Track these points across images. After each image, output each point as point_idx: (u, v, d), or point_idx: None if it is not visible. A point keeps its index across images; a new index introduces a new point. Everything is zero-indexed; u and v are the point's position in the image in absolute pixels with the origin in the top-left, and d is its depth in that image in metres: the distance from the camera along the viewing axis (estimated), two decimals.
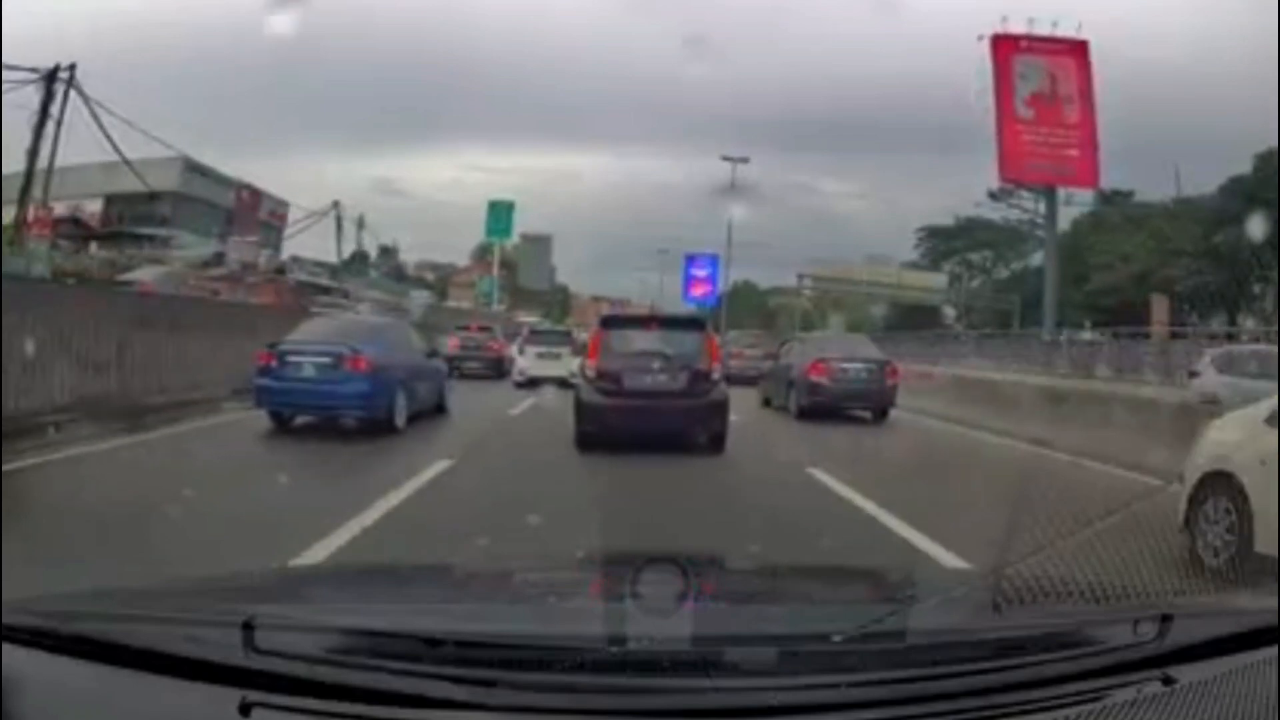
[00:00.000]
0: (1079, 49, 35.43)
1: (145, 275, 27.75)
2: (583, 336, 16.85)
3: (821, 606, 1.90)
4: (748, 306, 60.45)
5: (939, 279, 51.85)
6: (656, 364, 9.78)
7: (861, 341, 17.57)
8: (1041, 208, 39.57)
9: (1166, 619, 1.37)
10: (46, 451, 8.16)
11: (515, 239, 60.92)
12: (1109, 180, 38.60)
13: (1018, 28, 36.15)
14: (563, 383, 15.03)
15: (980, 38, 35.75)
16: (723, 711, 1.22)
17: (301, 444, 10.21)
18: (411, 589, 2.05)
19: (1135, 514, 1.66)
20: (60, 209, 33.68)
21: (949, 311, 51.14)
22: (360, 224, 47.39)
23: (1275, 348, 17.79)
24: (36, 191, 27.69)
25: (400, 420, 10.91)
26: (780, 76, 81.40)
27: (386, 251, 58.55)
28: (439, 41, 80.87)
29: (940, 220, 53.40)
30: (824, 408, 14.30)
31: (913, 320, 47.90)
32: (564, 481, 8.09)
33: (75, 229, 33.10)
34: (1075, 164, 35.96)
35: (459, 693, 1.19)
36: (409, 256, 64.50)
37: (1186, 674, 1.33)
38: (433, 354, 13.56)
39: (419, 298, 44.80)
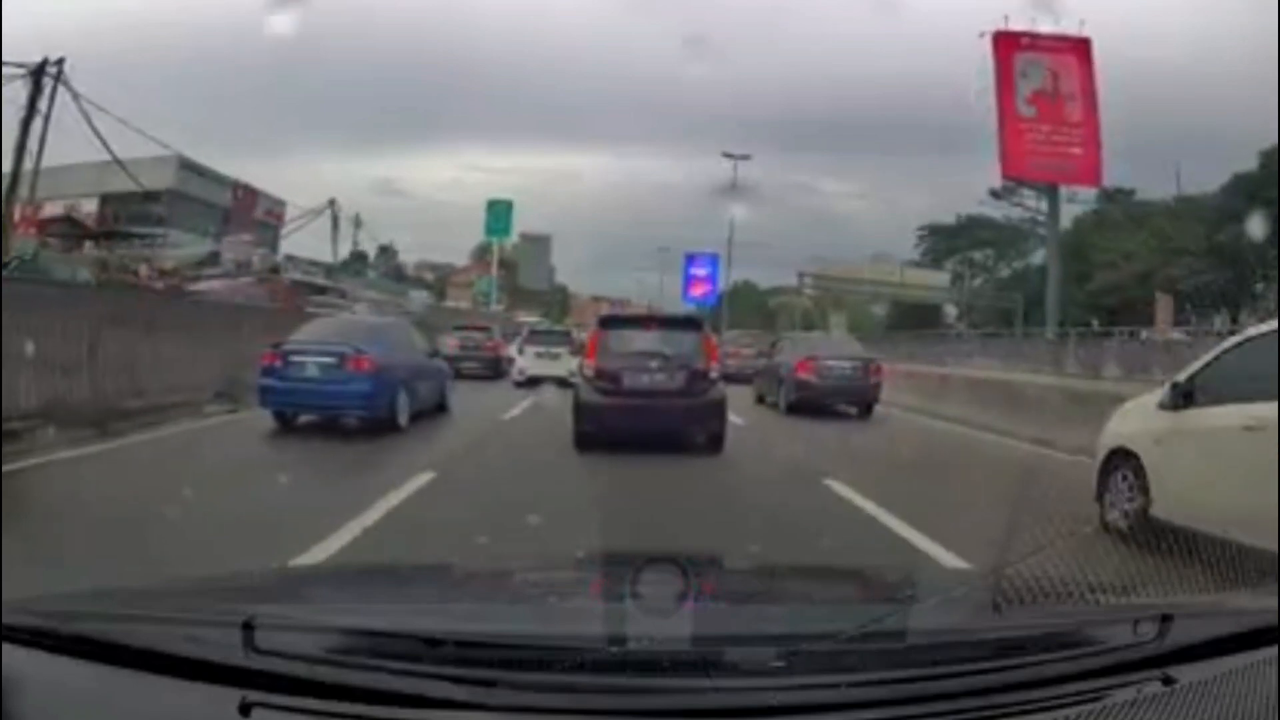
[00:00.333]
0: (1081, 46, 35.38)
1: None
2: (582, 336, 16.89)
3: (821, 606, 1.90)
4: (748, 306, 60.46)
5: (941, 277, 51.67)
6: (654, 364, 9.81)
7: (847, 341, 18.82)
8: (1043, 206, 39.54)
9: (1166, 619, 1.37)
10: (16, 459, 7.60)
11: (514, 238, 61.02)
12: (1110, 179, 38.57)
13: (1019, 27, 36.15)
14: (562, 382, 15.09)
15: (982, 35, 35.73)
16: (723, 711, 1.22)
17: (282, 450, 10.08)
18: (411, 589, 2.05)
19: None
20: (55, 208, 33.67)
21: (950, 310, 51.12)
22: (357, 223, 47.42)
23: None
24: (24, 190, 27.52)
25: (403, 419, 11.01)
26: (780, 76, 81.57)
27: (385, 251, 58.57)
28: (439, 41, 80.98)
29: (941, 219, 53.45)
30: (811, 403, 15.07)
31: (915, 319, 47.84)
32: (559, 497, 7.41)
33: (70, 228, 32.94)
34: (1077, 162, 35.89)
35: (459, 693, 1.19)
36: (408, 257, 64.67)
37: (1186, 674, 1.33)
38: (434, 354, 13.66)
39: (418, 298, 44.85)
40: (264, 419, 11.04)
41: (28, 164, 26.40)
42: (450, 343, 20.11)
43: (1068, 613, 1.57)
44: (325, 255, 45.07)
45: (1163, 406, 6.02)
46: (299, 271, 37.24)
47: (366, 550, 5.11)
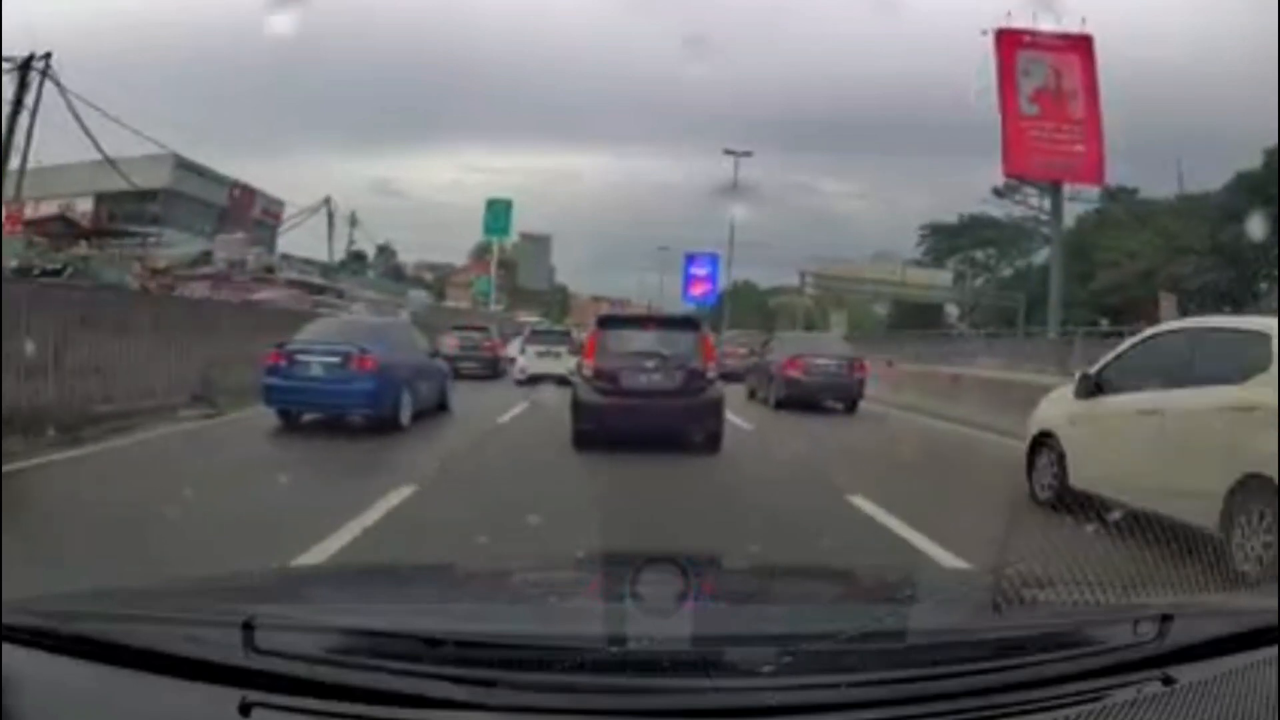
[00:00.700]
0: (1083, 44, 35.28)
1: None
2: (581, 336, 16.98)
3: (821, 606, 1.90)
4: (748, 306, 60.42)
5: (944, 276, 51.33)
6: (652, 363, 9.88)
7: (835, 341, 20.14)
8: (1046, 204, 39.44)
9: (1166, 619, 1.37)
10: None
11: (514, 238, 60.94)
12: (1112, 178, 38.45)
13: (1020, 26, 36.06)
14: (561, 380, 15.21)
15: (984, 32, 35.63)
16: (723, 711, 1.22)
17: (287, 448, 10.06)
18: (411, 589, 2.05)
19: None
20: (50, 207, 33.59)
21: (951, 310, 50.99)
22: (353, 221, 47.26)
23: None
24: (9, 189, 27.27)
25: (405, 418, 11.15)
26: (780, 76, 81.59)
27: (383, 251, 58.48)
28: (439, 41, 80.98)
29: (942, 218, 53.32)
30: (797, 399, 15.94)
31: (917, 319, 47.69)
32: (559, 497, 7.20)
33: (64, 227, 32.77)
34: (1080, 160, 35.74)
35: (459, 693, 1.19)
36: (408, 257, 64.54)
37: (1186, 674, 1.33)
38: (434, 354, 13.78)
39: (417, 298, 44.73)
40: (249, 422, 11.03)
41: (14, 162, 26.16)
42: (449, 342, 20.15)
43: (1068, 613, 1.57)
44: (323, 254, 45.14)
45: (1077, 395, 7.07)
46: (295, 271, 37.08)
47: (367, 548, 5.11)
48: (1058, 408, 7.46)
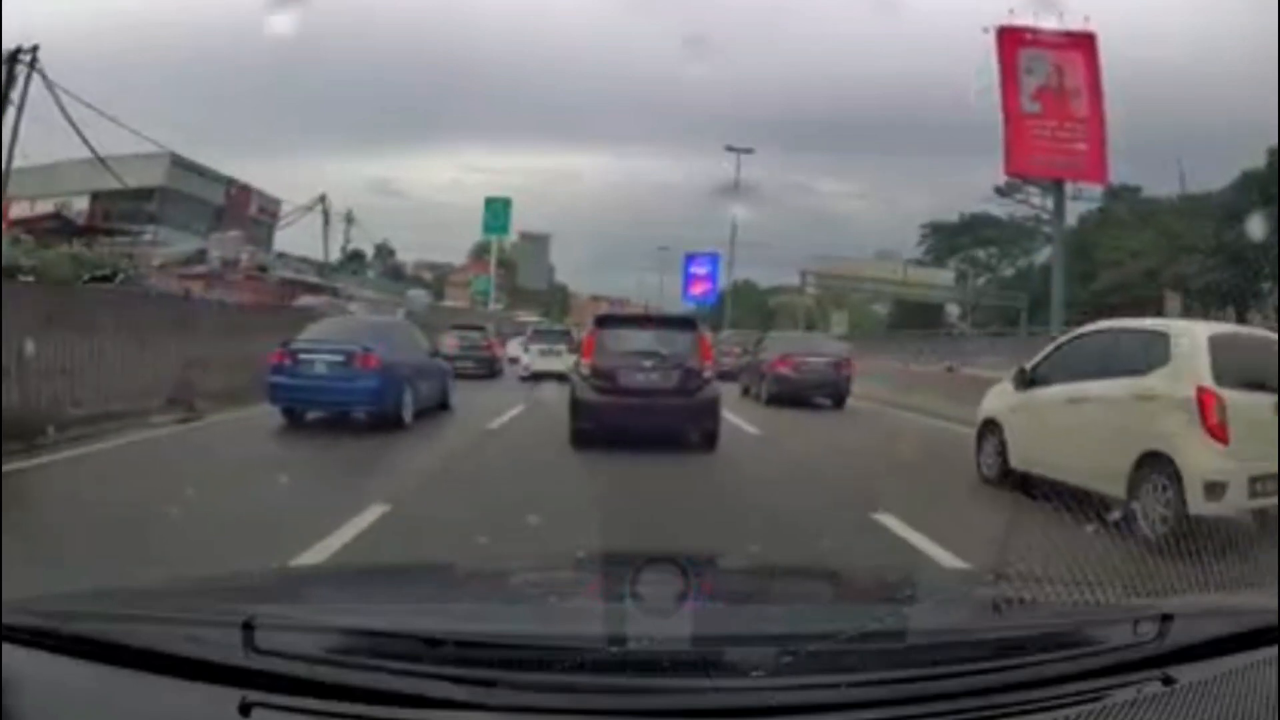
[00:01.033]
0: (1086, 42, 35.18)
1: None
2: (580, 335, 17.07)
3: (821, 606, 1.90)
4: (748, 306, 60.32)
5: (945, 276, 51.06)
6: (649, 362, 9.94)
7: (825, 340, 21.07)
8: (1048, 203, 39.34)
9: (1166, 619, 1.37)
10: None
11: (514, 238, 60.83)
12: (1114, 176, 38.35)
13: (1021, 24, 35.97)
14: (561, 377, 15.35)
15: (986, 30, 35.54)
16: (723, 711, 1.22)
17: (290, 447, 10.04)
18: (411, 589, 2.05)
19: None
20: (46, 206, 33.54)
21: (953, 310, 50.88)
22: (349, 219, 47.01)
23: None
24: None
25: (408, 416, 11.30)
26: (780, 76, 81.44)
27: (382, 250, 58.37)
28: (439, 41, 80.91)
29: (943, 218, 53.19)
30: (787, 396, 16.61)
31: (918, 319, 47.58)
32: (559, 496, 7.08)
33: (58, 225, 32.63)
34: (1083, 158, 35.59)
35: (459, 693, 1.19)
36: (407, 256, 64.38)
37: (1186, 674, 1.32)
38: (435, 354, 13.93)
39: (416, 297, 44.58)
40: (236, 426, 10.99)
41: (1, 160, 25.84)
42: (448, 342, 20.20)
43: (1068, 613, 1.56)
44: (320, 253, 44.97)
45: (1015, 387, 8.02)
46: (289, 269, 36.98)
47: (366, 548, 5.11)
48: (1001, 399, 8.35)
